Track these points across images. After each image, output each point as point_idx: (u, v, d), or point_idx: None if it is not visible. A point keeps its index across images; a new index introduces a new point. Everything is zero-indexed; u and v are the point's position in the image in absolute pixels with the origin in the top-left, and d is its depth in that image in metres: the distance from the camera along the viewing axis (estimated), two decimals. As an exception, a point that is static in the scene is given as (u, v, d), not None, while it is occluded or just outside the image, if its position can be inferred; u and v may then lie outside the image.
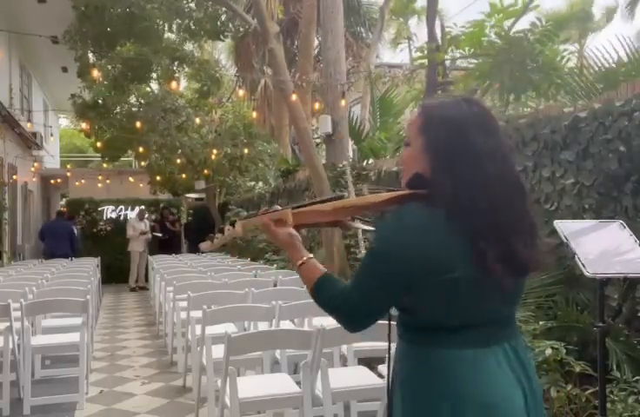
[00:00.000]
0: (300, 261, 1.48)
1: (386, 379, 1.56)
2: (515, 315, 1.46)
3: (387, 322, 1.53)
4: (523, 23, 5.86)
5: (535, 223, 1.40)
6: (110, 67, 10.00)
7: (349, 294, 1.37)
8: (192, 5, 8.61)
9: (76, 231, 11.47)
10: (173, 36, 9.53)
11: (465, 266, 1.29)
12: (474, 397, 1.32)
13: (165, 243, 12.64)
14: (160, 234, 12.54)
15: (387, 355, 1.62)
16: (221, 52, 22.14)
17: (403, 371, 1.43)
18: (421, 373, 1.37)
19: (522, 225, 1.36)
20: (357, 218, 1.57)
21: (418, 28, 20.18)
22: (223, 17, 8.70)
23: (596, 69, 4.78)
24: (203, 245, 1.68)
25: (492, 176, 1.33)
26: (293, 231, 1.51)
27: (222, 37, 9.13)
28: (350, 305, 1.37)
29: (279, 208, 1.53)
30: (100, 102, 11.26)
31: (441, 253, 1.30)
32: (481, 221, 1.30)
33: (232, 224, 1.57)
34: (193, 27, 8.65)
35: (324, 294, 1.42)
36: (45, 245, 11.09)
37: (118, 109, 11.59)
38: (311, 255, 1.50)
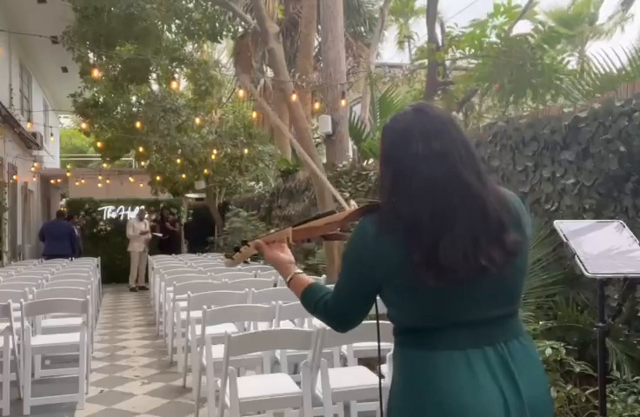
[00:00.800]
0: (289, 277, 1.63)
1: (378, 379, 1.66)
2: (512, 315, 1.42)
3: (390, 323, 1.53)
4: (523, 24, 5.86)
5: (502, 221, 1.36)
6: (109, 67, 10.00)
7: (330, 298, 1.50)
8: (191, 6, 8.61)
9: (76, 231, 11.46)
10: (172, 37, 9.53)
11: (405, 273, 1.33)
12: (431, 399, 1.32)
13: (165, 243, 12.66)
14: (160, 235, 12.55)
15: (378, 356, 1.79)
16: (221, 52, 22.15)
17: (393, 371, 1.51)
18: (400, 373, 1.44)
19: (480, 225, 1.33)
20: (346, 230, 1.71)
21: (419, 27, 20.18)
22: (222, 18, 8.70)
23: (597, 73, 4.76)
24: (226, 263, 1.84)
25: (435, 179, 1.32)
26: (283, 251, 1.67)
27: (220, 39, 9.14)
28: (330, 307, 1.50)
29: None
30: (100, 101, 11.27)
31: (387, 260, 1.35)
32: (418, 227, 1.32)
33: (245, 243, 1.73)
34: (192, 28, 8.65)
35: (310, 302, 1.55)
36: (45, 245, 11.08)
37: (119, 109, 11.59)
38: (299, 271, 1.64)
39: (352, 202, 1.73)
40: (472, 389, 1.31)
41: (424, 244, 1.31)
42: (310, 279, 1.63)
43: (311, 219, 1.67)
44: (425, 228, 1.32)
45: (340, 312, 1.50)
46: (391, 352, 1.54)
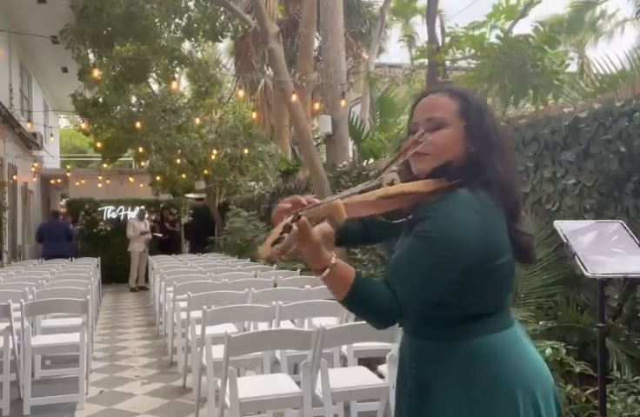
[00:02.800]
0: (329, 267, 1.23)
1: (395, 381, 1.53)
2: None
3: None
4: (524, 24, 5.86)
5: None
6: (110, 67, 10.01)
7: (399, 290, 1.23)
8: (190, 5, 8.61)
9: (75, 231, 11.45)
10: (172, 36, 9.53)
11: (509, 250, 1.34)
12: (534, 377, 1.40)
13: (165, 243, 12.65)
14: (160, 235, 12.54)
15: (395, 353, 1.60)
16: (221, 52, 22.15)
17: (444, 370, 1.37)
18: (469, 366, 1.34)
19: None
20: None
21: (421, 27, 20.14)
22: (222, 18, 8.70)
23: (597, 74, 4.75)
24: (264, 253, 1.20)
25: (515, 173, 1.42)
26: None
27: (220, 38, 9.14)
28: (398, 302, 1.22)
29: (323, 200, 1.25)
30: (100, 101, 11.27)
31: (497, 238, 1.32)
32: (516, 207, 1.38)
33: (295, 220, 1.18)
34: (192, 27, 8.65)
35: (366, 296, 1.23)
36: (44, 246, 11.06)
37: (118, 109, 11.59)
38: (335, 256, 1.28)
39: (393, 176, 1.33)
40: (539, 359, 1.45)
41: (521, 223, 1.38)
42: (349, 265, 1.27)
43: (356, 192, 1.27)
44: (519, 210, 1.39)
45: (410, 304, 1.24)
46: (392, 352, 1.52)
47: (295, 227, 1.16)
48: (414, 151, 1.36)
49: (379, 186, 1.29)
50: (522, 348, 1.40)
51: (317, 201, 1.25)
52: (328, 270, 1.22)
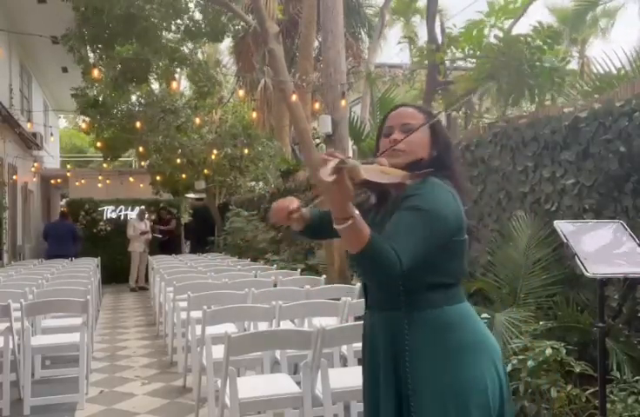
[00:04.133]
0: (354, 215, 1.38)
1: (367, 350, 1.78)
2: None
3: None
4: (524, 23, 5.85)
5: None
6: (110, 67, 10.00)
7: (401, 253, 1.42)
8: (191, 6, 8.62)
9: (79, 232, 11.45)
10: (172, 37, 9.54)
11: (463, 228, 1.63)
12: (492, 343, 1.66)
13: (166, 244, 12.61)
14: (160, 236, 12.50)
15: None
16: (222, 52, 22.15)
17: (418, 337, 1.60)
18: (441, 331, 1.60)
19: None
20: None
21: (422, 27, 20.12)
22: (223, 18, 8.70)
23: (597, 74, 4.74)
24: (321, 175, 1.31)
25: (464, 176, 1.88)
26: None
27: (220, 39, 9.14)
28: (401, 263, 1.42)
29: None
30: (100, 100, 11.27)
31: (462, 217, 1.62)
32: (465, 198, 1.68)
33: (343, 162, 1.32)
34: (192, 28, 8.66)
35: (379, 252, 1.41)
36: (48, 246, 11.10)
37: (119, 108, 11.59)
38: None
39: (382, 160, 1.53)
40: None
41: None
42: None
43: (368, 162, 1.45)
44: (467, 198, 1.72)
45: (407, 267, 1.43)
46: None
47: (345, 169, 1.31)
48: (392, 147, 1.67)
49: (372, 163, 1.47)
50: (477, 318, 1.69)
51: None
52: (351, 221, 1.37)
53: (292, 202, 1.75)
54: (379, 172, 1.40)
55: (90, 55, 9.41)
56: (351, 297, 4.00)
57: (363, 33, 15.87)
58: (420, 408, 1.58)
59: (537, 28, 5.58)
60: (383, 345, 1.67)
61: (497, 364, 1.63)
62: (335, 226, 1.39)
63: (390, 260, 1.40)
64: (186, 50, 10.06)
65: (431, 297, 1.61)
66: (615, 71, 4.55)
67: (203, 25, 8.55)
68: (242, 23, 9.58)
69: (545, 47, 5.46)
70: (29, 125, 11.79)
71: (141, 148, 11.96)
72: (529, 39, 5.46)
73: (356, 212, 1.39)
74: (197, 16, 8.67)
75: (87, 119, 11.99)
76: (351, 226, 1.38)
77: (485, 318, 3.47)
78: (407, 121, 1.73)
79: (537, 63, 5.37)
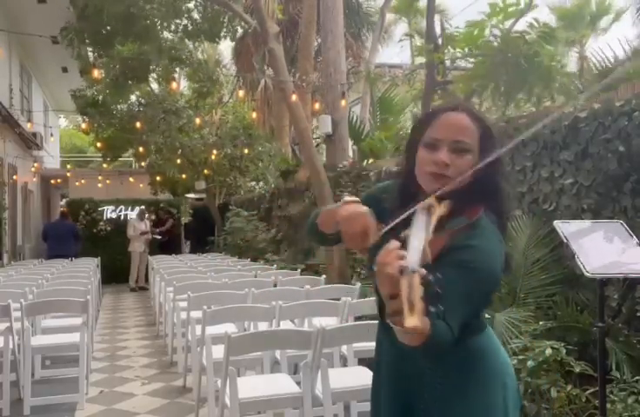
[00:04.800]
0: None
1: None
2: None
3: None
4: (524, 22, 5.84)
5: None
6: (110, 66, 10.01)
7: (453, 322, 1.25)
8: (190, 6, 8.62)
9: (79, 232, 11.44)
10: (172, 36, 9.54)
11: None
12: (511, 368, 1.56)
13: (166, 244, 12.56)
14: (159, 237, 12.46)
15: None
16: (222, 52, 22.14)
17: (447, 369, 1.46)
18: (468, 363, 1.45)
19: None
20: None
21: (422, 26, 20.08)
22: (222, 18, 8.70)
23: (597, 70, 4.74)
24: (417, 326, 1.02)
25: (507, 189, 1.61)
26: None
27: (218, 40, 9.14)
28: (453, 332, 1.25)
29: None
30: (100, 100, 11.27)
31: (502, 257, 1.41)
32: (505, 228, 1.50)
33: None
34: (190, 27, 8.66)
35: (439, 339, 1.21)
36: (49, 246, 11.08)
37: (119, 108, 11.58)
38: None
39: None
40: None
41: None
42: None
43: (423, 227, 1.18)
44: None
45: (458, 330, 1.26)
46: None
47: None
48: (434, 171, 1.36)
49: (428, 210, 1.23)
50: (498, 343, 1.55)
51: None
52: (424, 339, 1.13)
53: (368, 225, 1.32)
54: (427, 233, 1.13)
55: (90, 54, 9.41)
56: (351, 297, 4.01)
57: (363, 33, 15.86)
58: None
59: (533, 24, 5.58)
60: (410, 375, 1.51)
61: (515, 389, 1.55)
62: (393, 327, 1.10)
63: (447, 339, 1.23)
64: (186, 50, 10.07)
65: (464, 331, 1.34)
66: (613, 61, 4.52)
67: (201, 25, 8.54)
68: (242, 24, 9.57)
69: (541, 41, 5.46)
70: (29, 125, 11.79)
71: (141, 149, 11.96)
72: (525, 35, 5.47)
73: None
74: (197, 15, 8.67)
75: (87, 119, 11.99)
76: (420, 337, 1.13)
77: (485, 318, 3.48)
78: (461, 138, 1.37)
79: (536, 59, 5.36)
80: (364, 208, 1.34)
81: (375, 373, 1.64)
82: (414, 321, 0.96)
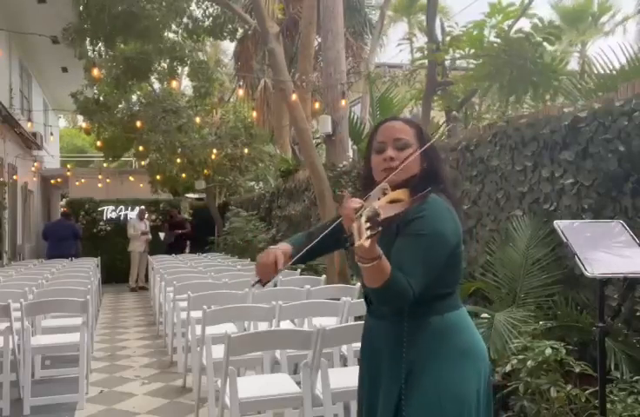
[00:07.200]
0: (380, 255, 1.42)
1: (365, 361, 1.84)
2: None
3: None
4: (524, 23, 5.84)
5: None
6: (111, 65, 10.01)
7: (413, 281, 1.51)
8: (192, 4, 8.62)
9: (79, 231, 11.40)
10: (173, 36, 9.54)
11: (460, 242, 1.69)
12: (483, 350, 1.70)
13: (175, 244, 12.34)
14: (163, 238, 12.31)
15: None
16: (222, 53, 22.15)
17: (416, 342, 1.64)
18: (440, 338, 1.64)
19: None
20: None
21: (422, 25, 20.07)
22: (223, 18, 8.70)
23: (597, 73, 4.73)
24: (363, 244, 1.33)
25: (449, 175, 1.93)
26: None
27: (221, 36, 9.12)
28: (414, 291, 1.51)
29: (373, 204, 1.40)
30: (101, 99, 11.26)
31: (459, 230, 1.68)
32: (458, 206, 1.75)
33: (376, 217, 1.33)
34: (192, 25, 8.65)
35: (397, 286, 1.48)
36: (49, 246, 11.06)
37: (119, 108, 11.58)
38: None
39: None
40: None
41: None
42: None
43: (376, 198, 1.48)
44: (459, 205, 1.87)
45: (418, 293, 1.52)
46: None
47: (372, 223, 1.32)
48: (386, 167, 1.69)
49: (383, 193, 1.51)
50: (472, 324, 1.73)
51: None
52: (377, 261, 1.41)
53: (278, 258, 1.73)
54: (389, 203, 1.43)
55: (91, 54, 9.40)
56: (351, 297, 4.01)
57: (363, 33, 15.86)
58: (419, 410, 1.62)
59: (537, 24, 5.56)
60: (385, 349, 1.72)
61: (487, 372, 1.70)
62: (360, 264, 1.42)
63: (407, 291, 1.49)
64: (187, 49, 10.07)
65: (434, 306, 1.65)
66: (614, 71, 4.52)
67: (204, 22, 8.54)
68: (241, 24, 9.56)
69: (545, 43, 5.45)
70: (29, 125, 11.79)
71: (141, 148, 11.96)
72: (529, 36, 5.45)
73: (380, 251, 1.42)
74: (198, 14, 8.67)
75: (87, 119, 11.99)
76: (376, 265, 1.42)
77: (485, 318, 3.48)
78: (399, 136, 1.72)
79: (539, 60, 5.36)
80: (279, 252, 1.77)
81: (361, 350, 1.88)
82: (361, 242, 1.29)
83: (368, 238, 1.30)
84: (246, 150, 11.85)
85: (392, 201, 1.45)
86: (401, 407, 1.64)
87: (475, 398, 1.63)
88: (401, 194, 1.48)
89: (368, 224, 1.31)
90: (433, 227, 1.57)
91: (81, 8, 7.91)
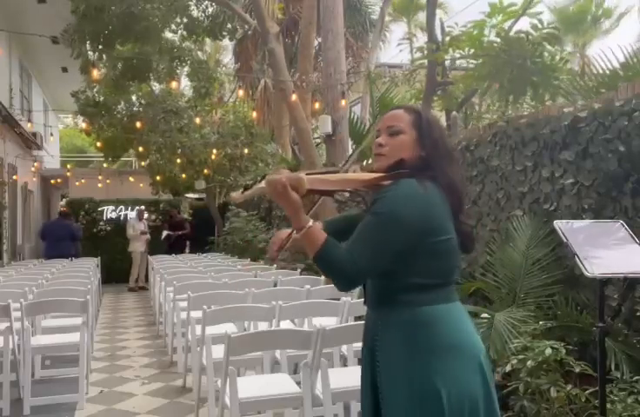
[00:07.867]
0: (307, 225, 1.54)
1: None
2: None
3: None
4: (524, 23, 5.84)
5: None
6: (110, 65, 10.01)
7: (358, 257, 1.51)
8: (191, 4, 8.62)
9: (78, 231, 11.37)
10: (172, 36, 9.54)
11: (446, 230, 1.63)
12: (470, 350, 1.61)
13: (175, 244, 12.35)
14: (167, 232, 12.26)
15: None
16: (222, 53, 22.14)
17: (387, 335, 1.63)
18: (413, 331, 1.59)
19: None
20: (349, 191, 1.73)
21: (422, 25, 20.06)
22: (222, 18, 8.71)
23: (597, 72, 4.72)
24: (234, 194, 1.71)
25: (460, 175, 1.80)
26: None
27: (220, 37, 9.13)
28: (358, 267, 1.51)
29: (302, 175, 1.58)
30: (101, 100, 11.26)
31: (438, 215, 1.61)
32: (460, 203, 1.71)
33: (263, 178, 1.59)
34: (192, 24, 8.65)
35: (331, 258, 1.53)
36: (47, 246, 11.01)
37: (119, 108, 11.58)
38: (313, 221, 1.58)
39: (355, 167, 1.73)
40: (474, 331, 1.68)
41: (465, 215, 1.73)
42: (324, 232, 1.58)
43: (321, 172, 1.63)
44: (462, 204, 1.72)
45: (367, 271, 1.54)
46: None
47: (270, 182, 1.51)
48: (375, 153, 1.74)
49: (336, 171, 1.64)
50: (461, 322, 1.64)
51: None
52: (304, 229, 1.53)
53: (283, 233, 1.78)
54: (334, 180, 1.54)
55: (90, 54, 9.40)
56: (351, 297, 4.01)
57: (363, 32, 15.84)
58: (388, 408, 1.62)
59: (536, 25, 5.56)
60: (364, 343, 1.75)
61: (477, 372, 1.59)
62: (295, 234, 1.54)
63: (344, 269, 1.51)
64: (186, 50, 10.07)
65: (408, 297, 1.60)
66: (616, 68, 4.51)
67: (202, 22, 8.53)
68: (241, 24, 9.57)
69: (545, 43, 5.44)
70: (29, 125, 11.79)
71: (141, 148, 11.96)
72: (529, 36, 5.45)
73: (311, 221, 1.54)
74: (197, 14, 8.67)
75: (87, 119, 11.99)
76: (305, 234, 1.53)
77: (485, 318, 3.47)
78: (392, 123, 1.74)
79: (538, 60, 5.35)
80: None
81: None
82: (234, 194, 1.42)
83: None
84: (246, 150, 11.84)
85: (356, 180, 1.59)
86: (379, 404, 1.65)
87: (446, 397, 1.53)
88: (365, 176, 1.60)
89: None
90: (390, 208, 1.55)
91: (77, 8, 7.90)
